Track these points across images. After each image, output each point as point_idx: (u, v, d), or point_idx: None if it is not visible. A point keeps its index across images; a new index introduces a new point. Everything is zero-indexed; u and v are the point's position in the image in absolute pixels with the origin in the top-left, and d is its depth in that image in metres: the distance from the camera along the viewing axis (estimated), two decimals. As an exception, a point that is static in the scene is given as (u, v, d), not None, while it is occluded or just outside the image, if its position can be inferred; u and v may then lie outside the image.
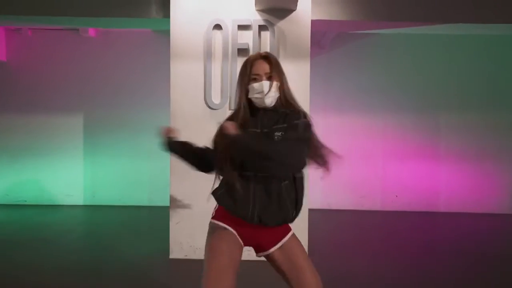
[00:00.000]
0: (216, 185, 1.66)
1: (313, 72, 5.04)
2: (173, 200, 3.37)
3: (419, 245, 3.88)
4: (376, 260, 3.41)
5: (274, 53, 3.33)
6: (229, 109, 3.28)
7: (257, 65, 1.61)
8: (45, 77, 5.61)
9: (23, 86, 5.61)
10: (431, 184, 5.53)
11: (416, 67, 5.53)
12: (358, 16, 3.68)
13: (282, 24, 3.35)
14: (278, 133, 1.55)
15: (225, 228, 1.58)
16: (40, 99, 5.61)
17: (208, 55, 3.33)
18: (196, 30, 3.35)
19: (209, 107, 3.35)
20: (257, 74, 1.60)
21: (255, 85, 1.59)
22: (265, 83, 1.58)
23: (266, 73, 1.60)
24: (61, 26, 5.29)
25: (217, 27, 3.34)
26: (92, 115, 5.63)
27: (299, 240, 1.66)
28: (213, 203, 1.69)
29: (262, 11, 3.33)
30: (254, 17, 3.33)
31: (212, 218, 1.64)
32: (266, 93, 1.57)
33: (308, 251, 3.34)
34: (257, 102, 1.61)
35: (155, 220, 4.74)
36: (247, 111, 1.62)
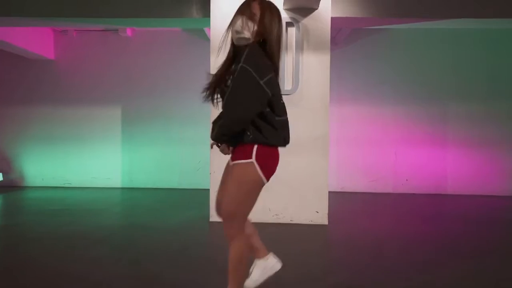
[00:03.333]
0: None
1: (330, 66, 5.53)
2: (212, 172, 3.91)
3: (426, 215, 4.36)
4: (379, 219, 3.91)
5: (298, 47, 3.88)
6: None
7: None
8: (88, 73, 6.21)
9: (68, 81, 6.22)
10: (439, 169, 5.96)
11: (425, 61, 5.92)
12: (373, 13, 4.14)
13: (306, 21, 3.88)
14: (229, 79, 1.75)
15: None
16: (83, 93, 6.20)
17: (242, 48, 3.88)
18: (232, 27, 3.90)
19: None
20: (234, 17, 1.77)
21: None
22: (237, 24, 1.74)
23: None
24: (103, 27, 5.88)
25: (250, 24, 3.89)
26: (129, 106, 6.20)
27: (238, 172, 1.75)
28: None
29: (288, 10, 3.88)
30: (282, 15, 3.86)
31: None
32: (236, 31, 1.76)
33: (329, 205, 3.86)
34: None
35: (188, 198, 5.29)
36: (230, 49, 1.84)
